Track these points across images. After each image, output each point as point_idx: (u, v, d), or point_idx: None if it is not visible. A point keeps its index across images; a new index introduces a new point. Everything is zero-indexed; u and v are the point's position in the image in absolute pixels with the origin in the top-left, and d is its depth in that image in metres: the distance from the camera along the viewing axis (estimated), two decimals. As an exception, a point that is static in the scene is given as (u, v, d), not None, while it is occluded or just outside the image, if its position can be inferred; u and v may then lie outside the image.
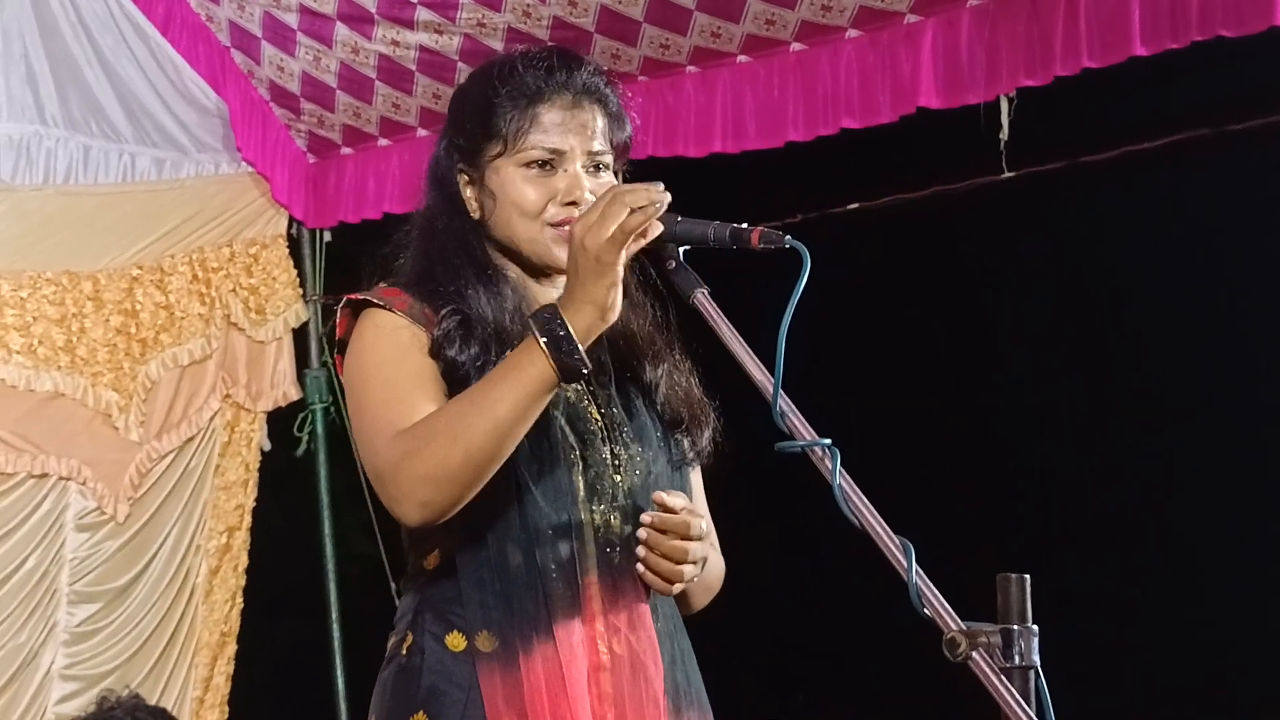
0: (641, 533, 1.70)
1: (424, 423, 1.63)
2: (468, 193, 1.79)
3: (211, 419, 4.18)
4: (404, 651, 1.71)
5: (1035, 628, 1.33)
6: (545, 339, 1.58)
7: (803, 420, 1.47)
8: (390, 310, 1.72)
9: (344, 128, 4.35)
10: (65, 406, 3.97)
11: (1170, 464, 3.20)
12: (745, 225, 1.61)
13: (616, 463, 1.73)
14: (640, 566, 1.71)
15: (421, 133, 4.27)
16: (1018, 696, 1.30)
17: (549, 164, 1.74)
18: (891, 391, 3.53)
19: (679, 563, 1.69)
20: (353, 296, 1.77)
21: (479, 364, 1.69)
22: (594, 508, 1.71)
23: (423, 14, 3.92)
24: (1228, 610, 3.06)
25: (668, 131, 3.82)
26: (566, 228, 1.69)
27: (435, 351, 1.70)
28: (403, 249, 1.86)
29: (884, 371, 3.55)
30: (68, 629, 3.95)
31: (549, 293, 1.77)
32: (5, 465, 3.89)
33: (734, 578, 3.76)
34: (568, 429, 1.72)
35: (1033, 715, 1.30)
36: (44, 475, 3.94)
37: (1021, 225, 3.43)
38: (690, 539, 1.70)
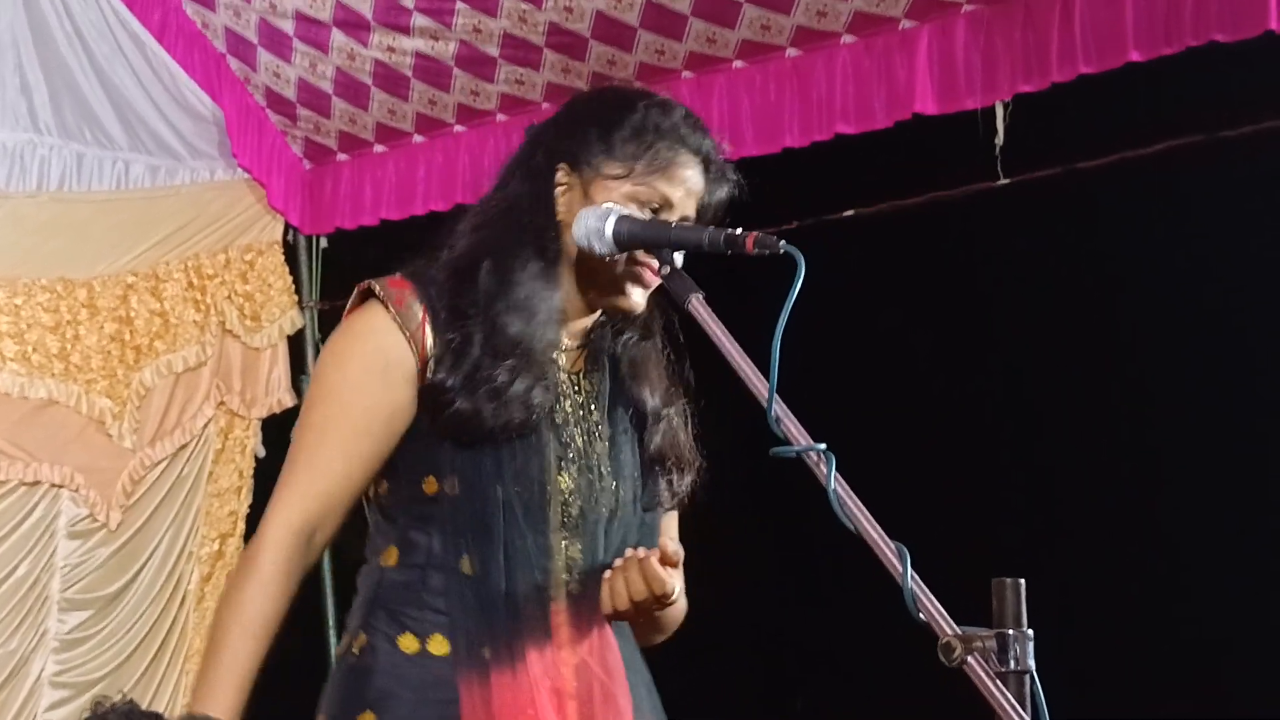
0: (619, 562, 1.69)
1: (243, 601, 1.64)
2: (563, 196, 1.75)
3: (205, 426, 4.18)
4: (355, 651, 1.70)
5: (1030, 632, 1.33)
6: None
7: (798, 425, 1.47)
8: (387, 308, 1.69)
9: (340, 134, 4.35)
10: (59, 414, 3.97)
11: (1166, 469, 3.20)
12: (740, 230, 1.61)
13: (591, 493, 1.73)
14: (606, 592, 1.69)
15: (418, 139, 4.27)
16: (1013, 701, 1.30)
17: (655, 210, 1.74)
18: (886, 397, 3.53)
19: (640, 610, 1.69)
20: (363, 286, 1.74)
21: (476, 380, 1.65)
22: (565, 535, 1.70)
23: (419, 20, 3.92)
24: (1226, 613, 3.06)
25: (664, 138, 3.82)
26: (642, 271, 1.71)
27: (433, 374, 1.66)
28: (456, 237, 1.80)
29: (879, 377, 3.55)
30: (58, 636, 3.94)
31: (582, 323, 1.77)
32: (-2, 473, 3.89)
33: (730, 582, 3.77)
34: (553, 456, 1.70)
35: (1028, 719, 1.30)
36: (36, 482, 3.94)
37: (1017, 231, 3.44)
38: (661, 597, 1.68)
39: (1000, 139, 3.38)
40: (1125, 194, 3.33)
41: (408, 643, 1.68)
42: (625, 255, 1.70)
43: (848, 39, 3.53)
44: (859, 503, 1.41)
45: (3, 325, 3.92)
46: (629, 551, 1.70)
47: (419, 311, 1.69)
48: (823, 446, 1.44)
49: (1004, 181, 3.40)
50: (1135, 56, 3.08)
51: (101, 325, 4.05)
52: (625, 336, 1.81)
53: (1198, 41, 3.01)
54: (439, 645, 1.67)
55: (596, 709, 1.70)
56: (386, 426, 1.68)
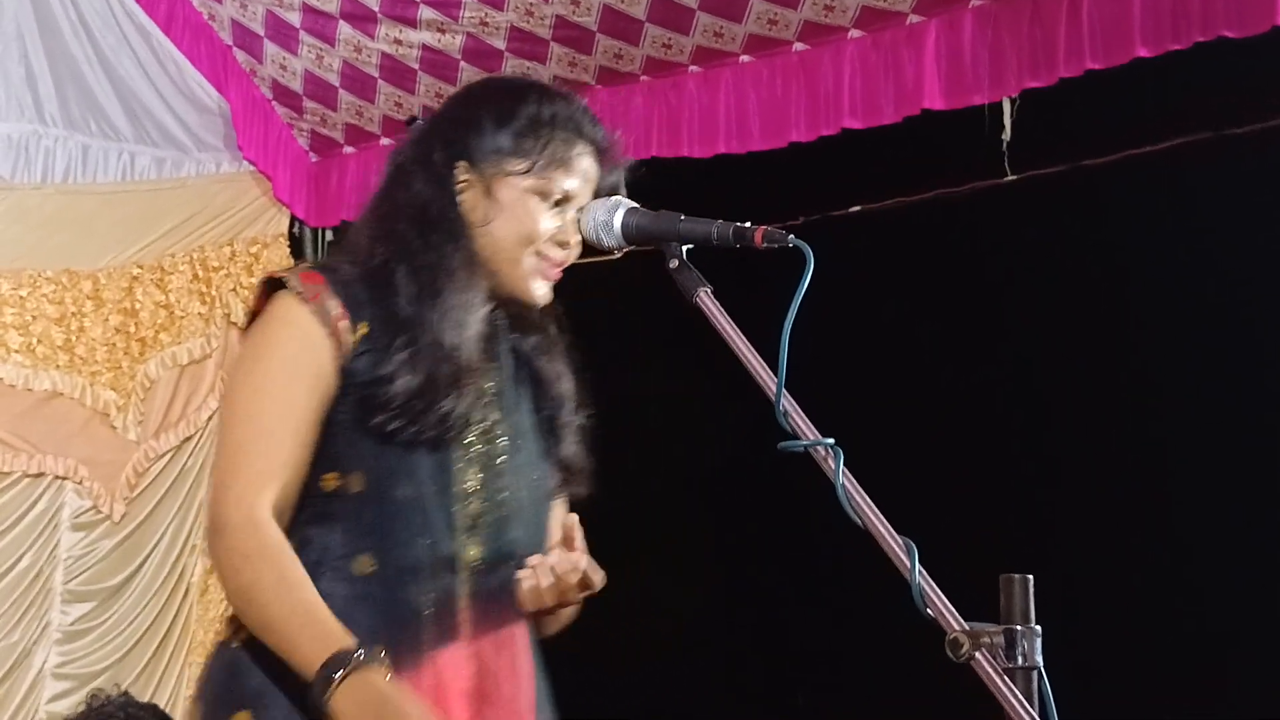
0: (530, 566, 1.70)
1: (262, 569, 1.58)
2: (464, 193, 1.74)
3: (210, 418, 4.18)
4: (235, 644, 1.66)
5: (1038, 628, 1.33)
6: (322, 681, 1.53)
7: (806, 420, 1.47)
8: (303, 302, 1.66)
9: (346, 126, 4.35)
10: (63, 405, 3.97)
11: (1174, 464, 3.19)
12: (749, 224, 1.61)
13: (490, 493, 1.72)
14: (526, 594, 1.70)
15: (424, 132, 4.27)
16: (1021, 697, 1.29)
17: (559, 203, 1.74)
18: (894, 392, 3.52)
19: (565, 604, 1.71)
20: (272, 275, 1.71)
21: (417, 393, 1.64)
22: (466, 535, 1.69)
23: (425, 13, 3.92)
24: (1235, 610, 3.05)
25: (671, 132, 3.81)
26: (547, 266, 1.72)
27: (353, 373, 1.65)
28: (353, 232, 1.79)
29: (887, 372, 3.54)
30: (61, 628, 3.95)
31: (504, 337, 1.76)
32: (2, 464, 3.89)
33: (733, 578, 3.76)
34: (461, 460, 1.70)
35: (1036, 716, 1.29)
36: (40, 474, 3.94)
37: (1024, 227, 3.43)
38: (583, 584, 1.70)
39: (1007, 135, 3.38)
40: (1132, 190, 3.32)
41: None
42: (533, 248, 1.72)
43: (855, 34, 3.53)
44: (867, 498, 1.40)
45: (7, 317, 3.93)
46: (534, 559, 1.70)
47: (334, 306, 1.67)
48: (831, 441, 1.43)
49: (1011, 177, 3.40)
50: (1143, 52, 3.08)
51: (106, 317, 4.05)
52: (530, 338, 1.81)
53: (1205, 37, 3.00)
54: None
55: (500, 709, 1.69)
56: (320, 414, 1.66)
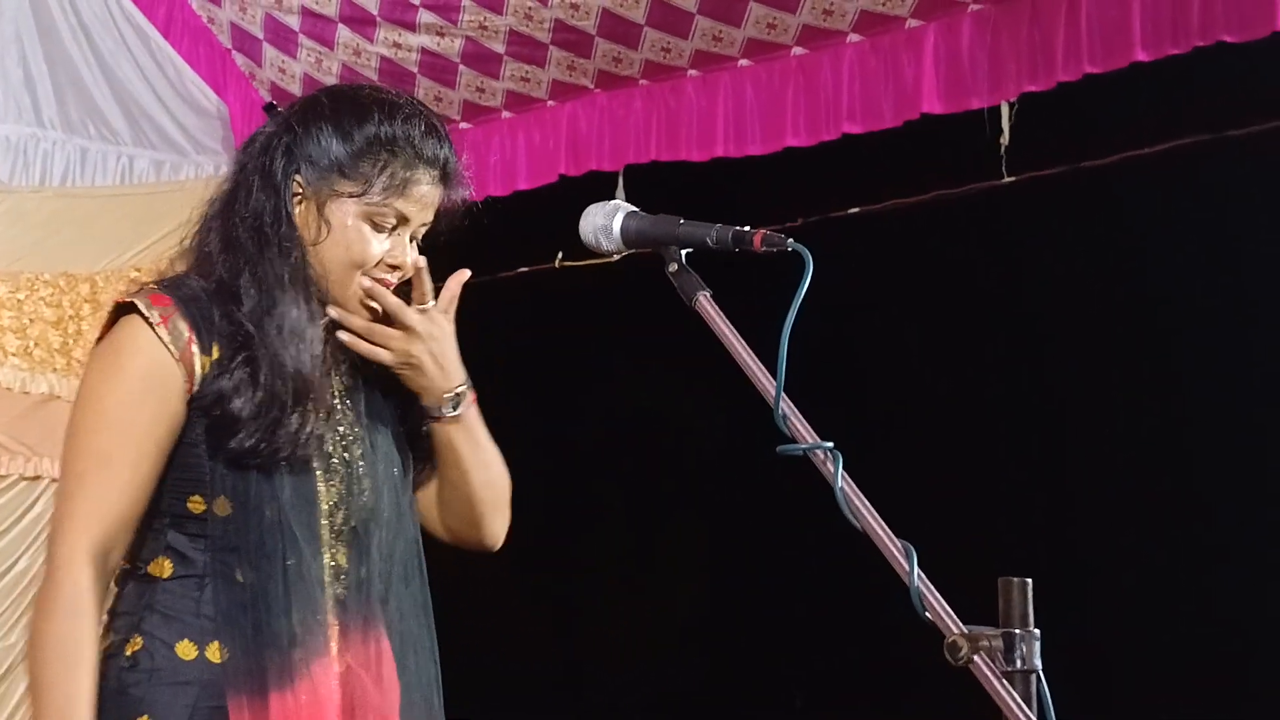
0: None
1: (54, 637, 1.61)
2: (298, 206, 1.73)
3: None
4: (128, 653, 1.68)
5: (1037, 631, 1.33)
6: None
7: (805, 423, 1.47)
8: (152, 328, 1.66)
9: (344, 130, 4.35)
10: (60, 409, 3.96)
11: (1173, 467, 3.19)
12: (748, 228, 1.61)
13: (351, 500, 1.73)
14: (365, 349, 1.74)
15: (422, 135, 4.27)
16: (1020, 701, 1.29)
17: (391, 227, 1.74)
18: (892, 395, 3.52)
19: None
20: (121, 300, 1.70)
21: (261, 411, 1.65)
22: (331, 545, 1.71)
23: (424, 16, 3.92)
24: (1237, 613, 3.05)
25: (670, 135, 3.82)
26: (375, 287, 1.72)
27: (202, 396, 1.66)
28: (203, 231, 1.78)
29: (886, 375, 3.55)
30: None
31: (327, 350, 1.75)
32: (-1, 467, 3.89)
33: (735, 579, 3.76)
34: (321, 474, 1.71)
35: (1035, 719, 1.29)
36: (37, 477, 3.93)
37: (1022, 230, 3.43)
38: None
39: (1005, 138, 3.38)
40: (1131, 193, 3.32)
41: (185, 649, 1.66)
42: (358, 272, 1.72)
43: (854, 38, 3.53)
44: (866, 501, 1.40)
45: (5, 320, 3.92)
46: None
47: (184, 330, 1.67)
48: (830, 445, 1.43)
49: (1009, 180, 3.39)
50: (1142, 56, 3.08)
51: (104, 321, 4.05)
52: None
53: (1205, 41, 3.00)
54: (217, 653, 1.66)
55: (370, 717, 1.70)
56: (166, 442, 1.67)
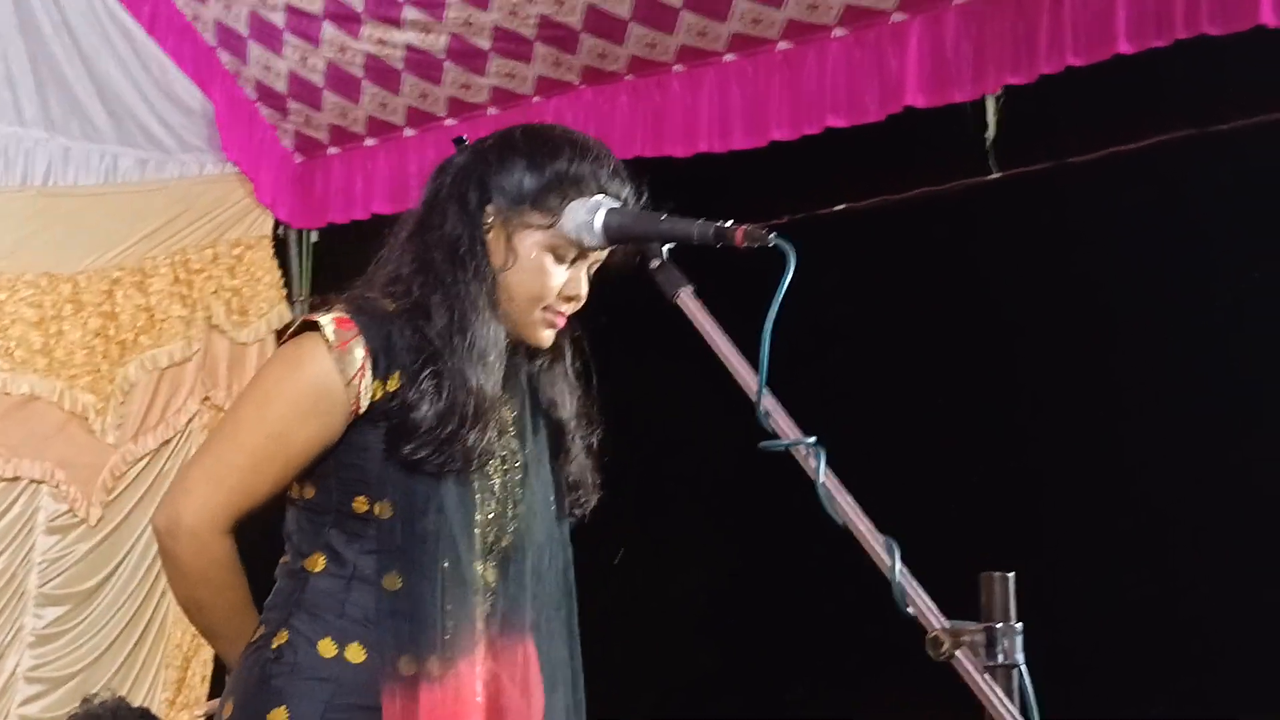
0: None
1: (213, 584, 1.76)
2: (489, 234, 1.80)
3: (189, 421, 4.16)
4: (274, 646, 1.76)
5: (1019, 625, 1.33)
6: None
7: (787, 419, 1.47)
8: (330, 349, 1.73)
9: (331, 127, 4.34)
10: (40, 409, 3.96)
11: (1154, 462, 3.20)
12: (730, 224, 1.61)
13: (504, 522, 1.81)
14: None
15: (409, 132, 4.26)
16: (1002, 695, 1.29)
17: (574, 260, 1.81)
18: (876, 391, 3.52)
19: None
20: (309, 318, 1.77)
21: (441, 422, 1.72)
22: (483, 561, 1.79)
23: (410, 13, 3.91)
24: (1216, 607, 3.06)
25: (655, 131, 3.82)
26: (554, 316, 1.80)
27: (373, 413, 1.73)
28: (393, 254, 1.85)
29: (869, 370, 3.55)
30: (34, 631, 3.93)
31: (521, 365, 1.85)
32: (-23, 468, 3.88)
33: (726, 574, 3.76)
34: (483, 490, 1.79)
35: (1016, 713, 1.30)
36: (15, 478, 3.92)
37: (1008, 225, 3.43)
38: None
39: (991, 133, 3.38)
40: (1117, 188, 3.33)
41: (326, 647, 1.74)
42: (542, 301, 1.79)
43: (839, 32, 3.53)
44: (848, 496, 1.40)
45: (-14, 320, 3.91)
46: None
47: (359, 357, 1.73)
48: (812, 440, 1.43)
49: (995, 176, 3.40)
50: (1125, 48, 3.08)
51: (86, 320, 4.03)
52: (539, 361, 1.89)
53: (1188, 34, 3.01)
54: (356, 653, 1.74)
55: None
56: (313, 456, 1.76)
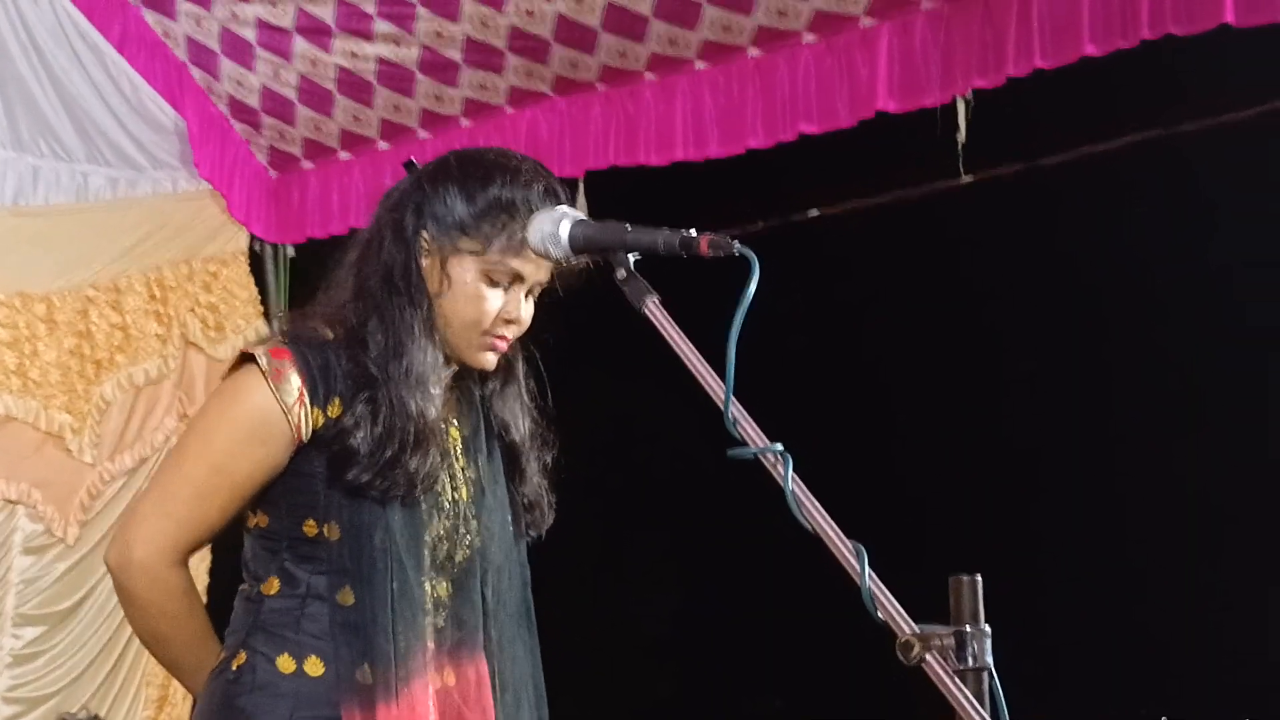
0: None
1: (169, 617, 1.81)
2: (424, 261, 1.82)
3: (167, 439, 4.14)
4: (234, 668, 1.80)
5: (988, 629, 1.33)
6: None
7: (755, 427, 1.47)
8: (266, 380, 1.76)
9: (305, 141, 4.33)
10: (16, 429, 3.92)
11: (1126, 465, 3.21)
12: (694, 233, 1.61)
13: (457, 538, 1.84)
14: None
15: (382, 145, 4.26)
16: (971, 698, 1.30)
17: (510, 285, 1.83)
18: (846, 397, 3.53)
19: None
20: (246, 349, 1.81)
21: (380, 447, 1.74)
22: (434, 576, 1.82)
23: (381, 26, 3.91)
24: (1185, 609, 3.07)
25: (629, 140, 3.82)
26: (495, 340, 1.82)
27: (317, 441, 1.76)
28: (335, 280, 1.87)
29: (839, 376, 3.56)
30: (11, 651, 3.90)
31: (449, 370, 1.85)
32: (-47, 490, 3.85)
33: (705, 584, 3.76)
34: (432, 509, 1.81)
35: (987, 716, 1.30)
36: None
37: (980, 228, 3.45)
38: None
39: (962, 136, 3.39)
40: (1088, 189, 3.35)
41: (285, 663, 1.78)
42: (479, 328, 1.81)
43: (809, 38, 3.54)
44: (816, 503, 1.40)
45: (-41, 342, 3.87)
46: None
47: (295, 386, 1.76)
48: (779, 447, 1.43)
49: (967, 179, 3.41)
50: (1091, 51, 3.10)
51: (61, 340, 4.00)
52: (491, 383, 1.91)
53: (1154, 35, 3.02)
54: (314, 666, 1.78)
55: None
56: (259, 484, 1.79)
